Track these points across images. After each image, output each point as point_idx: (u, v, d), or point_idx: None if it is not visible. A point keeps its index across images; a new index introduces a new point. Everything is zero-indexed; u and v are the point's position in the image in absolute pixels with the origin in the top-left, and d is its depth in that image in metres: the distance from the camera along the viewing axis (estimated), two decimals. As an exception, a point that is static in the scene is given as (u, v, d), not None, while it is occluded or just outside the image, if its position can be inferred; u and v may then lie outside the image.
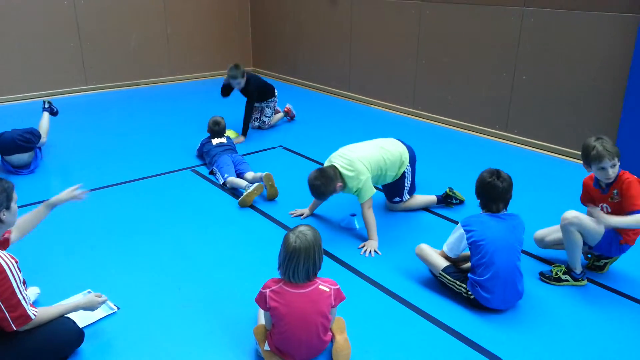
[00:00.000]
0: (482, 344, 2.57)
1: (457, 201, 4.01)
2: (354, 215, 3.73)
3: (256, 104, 5.72)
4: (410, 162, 3.78)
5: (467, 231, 2.79)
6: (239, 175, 4.42)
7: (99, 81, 7.44)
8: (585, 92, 4.87)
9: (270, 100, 5.81)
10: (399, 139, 3.86)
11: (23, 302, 2.16)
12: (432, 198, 3.99)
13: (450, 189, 4.00)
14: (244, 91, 5.54)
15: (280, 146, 5.37)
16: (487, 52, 5.53)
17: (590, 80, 4.81)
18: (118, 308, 2.79)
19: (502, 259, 2.71)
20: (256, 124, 5.84)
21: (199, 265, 3.23)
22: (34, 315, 2.22)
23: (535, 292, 2.99)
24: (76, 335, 2.42)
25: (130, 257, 3.31)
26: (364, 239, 3.49)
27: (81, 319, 2.62)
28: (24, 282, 2.24)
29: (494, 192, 2.79)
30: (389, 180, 3.74)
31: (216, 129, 4.84)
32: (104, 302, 2.57)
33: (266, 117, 5.84)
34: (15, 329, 2.16)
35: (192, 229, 3.67)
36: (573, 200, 3.34)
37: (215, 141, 4.80)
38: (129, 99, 7.16)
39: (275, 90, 5.92)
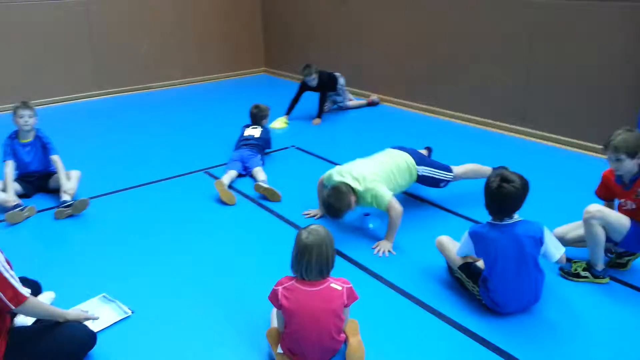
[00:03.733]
0: (500, 345, 2.50)
1: None
2: (367, 214, 3.67)
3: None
4: (420, 162, 3.71)
5: (474, 242, 2.69)
6: (247, 170, 4.47)
7: (113, 86, 7.48)
8: (604, 85, 4.76)
9: (338, 88, 6.31)
10: (397, 147, 3.80)
11: (13, 282, 2.17)
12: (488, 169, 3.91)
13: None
14: (318, 85, 6.00)
15: (292, 146, 5.34)
16: (500, 45, 5.42)
17: (608, 73, 4.70)
18: (132, 312, 2.77)
19: (509, 271, 2.58)
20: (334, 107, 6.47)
21: (212, 267, 3.21)
22: (27, 294, 2.23)
23: (556, 290, 2.90)
24: (88, 338, 2.42)
25: (145, 259, 3.31)
26: (378, 238, 3.43)
27: (95, 323, 2.60)
28: (9, 264, 2.24)
29: (497, 199, 2.56)
30: (405, 187, 3.69)
31: (253, 112, 4.96)
32: (90, 319, 2.49)
33: (340, 102, 6.44)
34: (14, 308, 2.17)
35: (206, 231, 3.66)
36: (594, 195, 3.23)
37: (246, 132, 4.84)
38: (142, 103, 7.19)
39: (341, 78, 6.31)
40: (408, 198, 4.05)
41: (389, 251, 3.29)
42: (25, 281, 2.50)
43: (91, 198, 4.01)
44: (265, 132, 4.89)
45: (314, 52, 7.78)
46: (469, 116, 5.90)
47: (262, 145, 4.79)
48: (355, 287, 2.37)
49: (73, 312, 2.46)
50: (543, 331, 2.61)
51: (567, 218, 3.21)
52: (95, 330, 2.52)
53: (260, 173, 4.36)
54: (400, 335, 2.60)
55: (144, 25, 7.55)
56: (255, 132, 4.83)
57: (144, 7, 7.49)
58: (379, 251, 3.29)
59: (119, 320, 2.71)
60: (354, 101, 6.62)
